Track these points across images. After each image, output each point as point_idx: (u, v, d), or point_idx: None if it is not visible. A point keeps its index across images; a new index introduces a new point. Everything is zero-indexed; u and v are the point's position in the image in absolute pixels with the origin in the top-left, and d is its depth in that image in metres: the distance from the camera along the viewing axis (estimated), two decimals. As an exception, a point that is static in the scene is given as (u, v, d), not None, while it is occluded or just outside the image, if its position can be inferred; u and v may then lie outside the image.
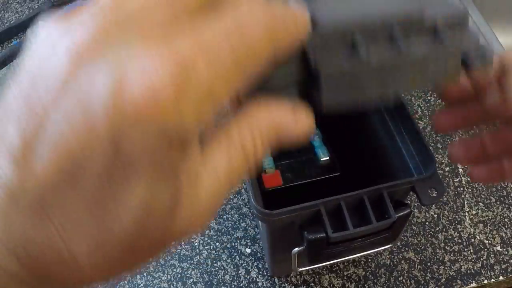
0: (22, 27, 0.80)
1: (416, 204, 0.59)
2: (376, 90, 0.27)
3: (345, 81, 0.25)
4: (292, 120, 0.22)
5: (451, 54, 0.27)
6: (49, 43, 0.16)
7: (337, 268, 0.55)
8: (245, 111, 0.20)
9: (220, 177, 0.19)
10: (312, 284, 0.54)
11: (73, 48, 0.15)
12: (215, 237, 0.58)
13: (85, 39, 0.15)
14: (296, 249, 0.38)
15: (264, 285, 0.54)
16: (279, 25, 0.18)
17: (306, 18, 0.20)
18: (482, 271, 0.55)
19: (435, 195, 0.35)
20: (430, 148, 0.63)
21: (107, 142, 0.15)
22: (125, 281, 0.55)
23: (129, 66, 0.15)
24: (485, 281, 0.54)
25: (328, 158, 0.56)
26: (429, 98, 0.70)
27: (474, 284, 0.54)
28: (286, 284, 0.54)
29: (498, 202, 0.60)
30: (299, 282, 0.54)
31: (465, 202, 0.60)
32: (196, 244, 0.58)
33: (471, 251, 0.56)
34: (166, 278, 0.55)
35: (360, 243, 0.37)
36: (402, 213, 0.36)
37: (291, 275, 0.54)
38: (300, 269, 0.41)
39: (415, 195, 0.37)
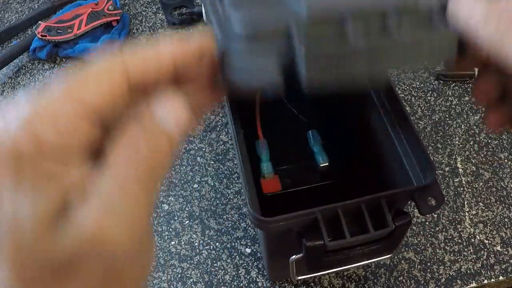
0: (22, 27, 0.80)
1: (416, 204, 0.59)
2: (362, 71, 0.26)
3: (330, 61, 0.25)
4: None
5: (445, 38, 0.27)
6: None
7: (336, 270, 0.55)
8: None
9: (126, 186, 0.18)
10: (312, 284, 0.54)
11: None
12: (215, 237, 0.58)
13: None
14: (294, 256, 0.38)
15: (264, 285, 0.55)
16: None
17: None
18: (482, 271, 0.55)
19: (434, 204, 0.35)
20: (431, 148, 0.64)
21: None
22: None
23: None
24: (485, 281, 0.54)
25: (327, 164, 0.57)
26: (429, 98, 0.69)
27: (474, 284, 0.54)
28: (286, 284, 0.55)
29: (498, 202, 0.60)
30: (299, 282, 0.54)
31: (465, 202, 0.60)
32: (196, 244, 0.58)
33: (471, 251, 0.56)
34: (166, 278, 0.56)
35: (359, 251, 0.37)
36: (401, 222, 0.36)
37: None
38: (299, 278, 0.41)
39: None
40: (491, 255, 0.56)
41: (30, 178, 0.17)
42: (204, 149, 0.66)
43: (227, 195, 0.61)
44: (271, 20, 0.25)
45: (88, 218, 0.17)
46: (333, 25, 0.25)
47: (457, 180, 0.62)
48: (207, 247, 0.58)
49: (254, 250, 0.57)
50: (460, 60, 0.28)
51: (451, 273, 0.55)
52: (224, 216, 0.60)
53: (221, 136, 0.67)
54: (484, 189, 0.61)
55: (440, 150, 0.64)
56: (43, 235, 0.17)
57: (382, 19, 0.26)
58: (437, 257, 0.56)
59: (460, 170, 0.62)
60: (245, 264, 0.56)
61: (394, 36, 0.25)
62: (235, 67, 0.24)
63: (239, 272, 0.56)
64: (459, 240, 0.57)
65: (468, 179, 0.62)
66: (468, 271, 0.55)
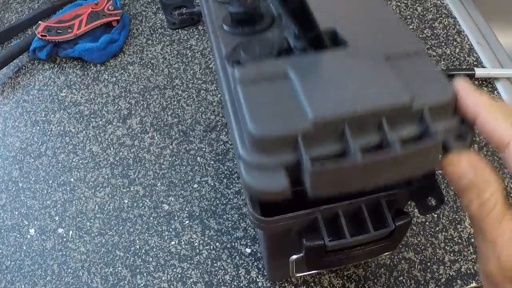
0: (22, 27, 0.80)
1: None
2: (361, 182, 0.30)
3: (332, 176, 0.28)
4: None
5: (434, 146, 0.29)
6: None
7: (337, 268, 0.55)
8: None
9: None
10: (312, 284, 0.54)
11: None
12: (215, 237, 0.58)
13: None
14: (294, 256, 0.38)
15: (264, 285, 0.55)
16: None
17: None
18: (482, 271, 0.55)
19: (434, 204, 0.35)
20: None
21: None
22: (125, 282, 0.56)
23: None
24: (485, 281, 0.54)
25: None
26: (429, 97, 0.69)
27: (474, 284, 0.54)
28: (286, 284, 0.55)
29: (498, 202, 0.60)
30: (299, 282, 0.54)
31: (465, 202, 0.60)
32: (196, 244, 0.58)
33: (471, 251, 0.56)
34: (166, 278, 0.56)
35: (359, 251, 0.37)
36: (401, 222, 0.35)
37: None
38: (298, 275, 0.41)
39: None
40: (491, 255, 0.56)
41: None
42: (204, 149, 0.66)
43: (227, 195, 0.61)
44: (283, 132, 0.28)
45: None
46: (334, 136, 0.29)
47: (457, 180, 0.62)
48: (207, 247, 0.58)
49: (254, 250, 0.57)
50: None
51: (451, 273, 0.55)
52: (224, 216, 0.60)
53: (221, 136, 0.67)
54: (484, 189, 0.61)
55: (440, 150, 0.64)
56: None
57: (377, 122, 0.29)
58: (437, 257, 0.56)
59: (460, 170, 0.62)
60: (245, 264, 0.56)
61: (391, 151, 0.28)
62: (248, 173, 0.28)
63: (239, 272, 0.56)
64: (459, 240, 0.57)
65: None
66: (468, 271, 0.55)
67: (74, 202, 0.63)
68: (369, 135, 0.29)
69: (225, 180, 0.63)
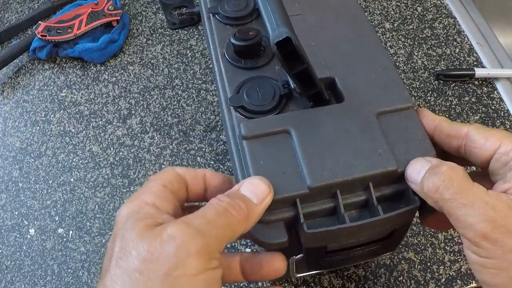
0: (22, 27, 0.80)
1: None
2: (347, 239, 0.35)
3: (324, 234, 0.33)
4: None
5: (413, 209, 0.34)
6: None
7: (337, 268, 0.55)
8: None
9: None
10: (312, 284, 0.54)
11: None
12: (215, 237, 0.58)
13: None
14: (295, 256, 0.38)
15: (264, 285, 0.55)
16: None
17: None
18: (482, 271, 0.55)
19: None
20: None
21: None
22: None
23: None
24: (485, 281, 0.54)
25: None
26: (429, 98, 0.69)
27: (474, 284, 0.54)
28: (286, 284, 0.55)
29: (498, 202, 0.60)
30: (299, 282, 0.54)
31: (465, 202, 0.60)
32: (196, 244, 0.58)
33: (471, 251, 0.56)
34: (167, 278, 0.56)
35: (359, 252, 0.37)
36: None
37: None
38: (298, 275, 0.41)
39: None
40: (491, 255, 0.56)
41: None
42: (204, 149, 0.66)
43: (227, 195, 0.61)
44: (284, 195, 0.33)
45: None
46: (327, 196, 0.34)
47: (457, 180, 0.61)
48: (207, 247, 0.58)
49: (254, 250, 0.57)
50: (424, 219, 0.38)
51: (451, 273, 0.55)
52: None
53: (221, 136, 0.67)
54: (484, 189, 0.61)
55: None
56: None
57: (364, 188, 0.34)
58: (437, 257, 0.56)
59: (460, 170, 0.62)
60: (245, 264, 0.56)
61: (375, 217, 0.33)
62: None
63: (239, 272, 0.56)
64: (459, 240, 0.57)
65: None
66: (468, 271, 0.55)
67: (74, 202, 0.63)
68: (356, 194, 0.34)
69: (225, 180, 0.63)
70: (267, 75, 0.40)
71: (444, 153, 0.36)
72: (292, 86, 0.38)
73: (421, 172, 0.32)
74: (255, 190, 0.31)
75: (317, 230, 0.32)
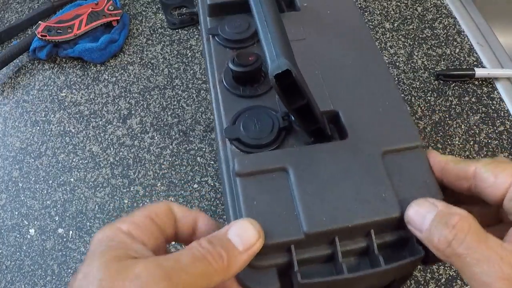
0: (22, 27, 0.80)
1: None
2: None
3: (319, 286, 0.31)
4: None
5: (417, 260, 0.31)
6: None
7: None
8: None
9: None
10: (312, 284, 0.54)
11: None
12: (215, 237, 0.58)
13: None
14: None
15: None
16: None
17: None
18: (482, 271, 0.55)
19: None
20: (431, 148, 0.64)
21: None
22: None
23: None
24: (485, 281, 0.54)
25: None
26: (429, 98, 0.69)
27: (473, 284, 0.54)
28: (286, 285, 0.54)
29: (498, 202, 0.60)
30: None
31: (465, 202, 0.60)
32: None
33: (471, 251, 0.56)
34: (167, 278, 0.56)
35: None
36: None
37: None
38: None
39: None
40: (491, 255, 0.56)
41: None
42: (204, 149, 0.66)
43: (227, 195, 0.61)
44: (278, 241, 0.30)
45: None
46: (325, 242, 0.31)
47: (457, 180, 0.61)
48: (207, 247, 0.57)
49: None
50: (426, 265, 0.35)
51: (451, 273, 0.55)
52: (224, 217, 0.60)
53: (221, 136, 0.67)
54: (484, 189, 0.61)
55: (440, 150, 0.64)
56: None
57: (365, 235, 0.31)
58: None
59: (460, 170, 0.62)
60: (245, 264, 0.56)
61: (376, 268, 0.30)
62: (243, 271, 0.29)
63: (239, 272, 0.55)
64: (459, 240, 0.57)
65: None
66: (468, 271, 0.55)
67: (74, 202, 0.63)
68: (356, 241, 0.31)
69: (225, 180, 0.63)
70: (266, 105, 0.38)
71: (454, 191, 0.33)
72: (293, 119, 0.36)
73: (427, 218, 0.29)
74: (243, 235, 0.29)
75: (312, 281, 0.30)
